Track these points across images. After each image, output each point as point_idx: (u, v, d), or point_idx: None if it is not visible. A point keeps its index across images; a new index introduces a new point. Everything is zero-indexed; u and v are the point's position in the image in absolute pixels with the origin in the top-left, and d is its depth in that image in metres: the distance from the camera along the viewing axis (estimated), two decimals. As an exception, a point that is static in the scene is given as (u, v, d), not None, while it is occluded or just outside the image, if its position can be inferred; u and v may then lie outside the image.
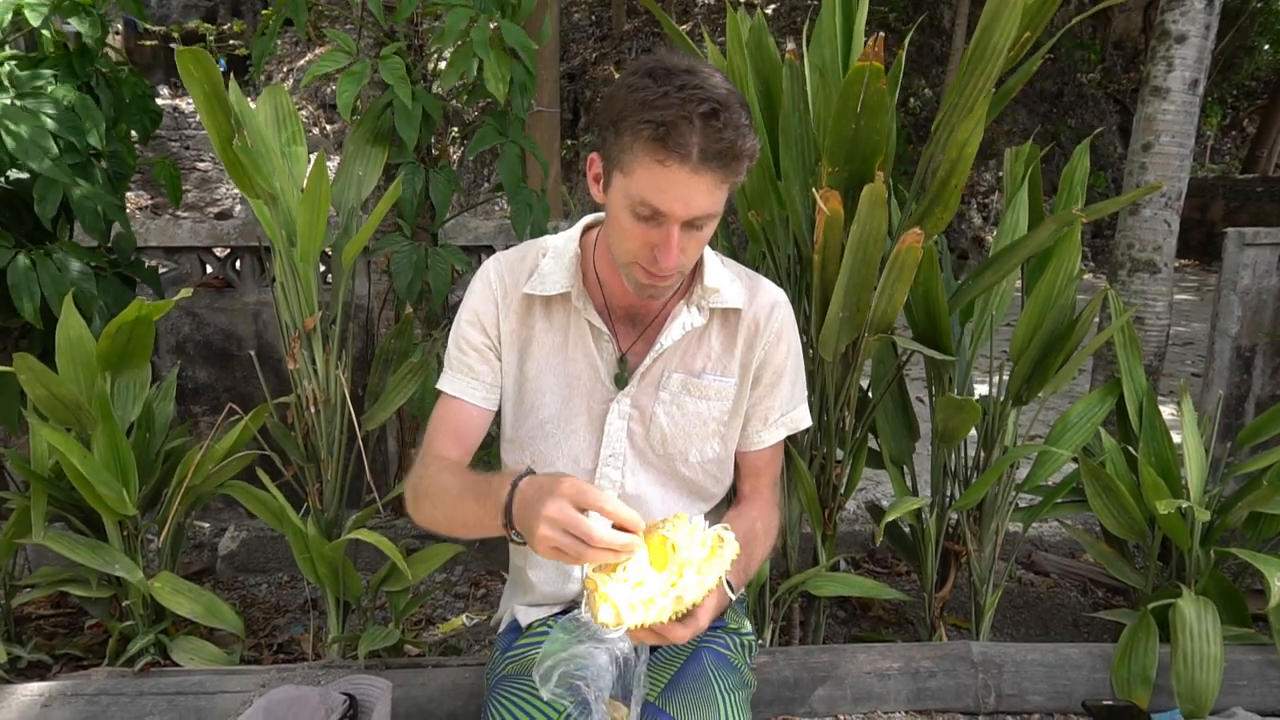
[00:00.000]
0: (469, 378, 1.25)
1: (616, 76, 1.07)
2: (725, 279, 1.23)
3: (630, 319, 1.24)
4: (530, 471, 1.03)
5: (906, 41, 1.83)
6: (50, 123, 1.83)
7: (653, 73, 1.01)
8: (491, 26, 1.90)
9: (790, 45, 1.64)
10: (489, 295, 1.23)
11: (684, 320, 1.21)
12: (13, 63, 1.91)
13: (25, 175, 1.89)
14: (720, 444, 1.28)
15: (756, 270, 1.35)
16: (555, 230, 1.38)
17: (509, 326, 1.23)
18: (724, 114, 0.99)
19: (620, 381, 1.23)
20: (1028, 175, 1.90)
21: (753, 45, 1.71)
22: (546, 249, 1.24)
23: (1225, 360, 2.56)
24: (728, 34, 1.67)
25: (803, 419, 1.34)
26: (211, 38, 10.28)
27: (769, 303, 1.26)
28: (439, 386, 1.26)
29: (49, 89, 1.89)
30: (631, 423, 1.25)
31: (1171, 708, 1.72)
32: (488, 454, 1.46)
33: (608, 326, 1.22)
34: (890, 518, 1.70)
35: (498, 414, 1.30)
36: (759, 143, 1.06)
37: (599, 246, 1.23)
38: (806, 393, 1.36)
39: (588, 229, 1.26)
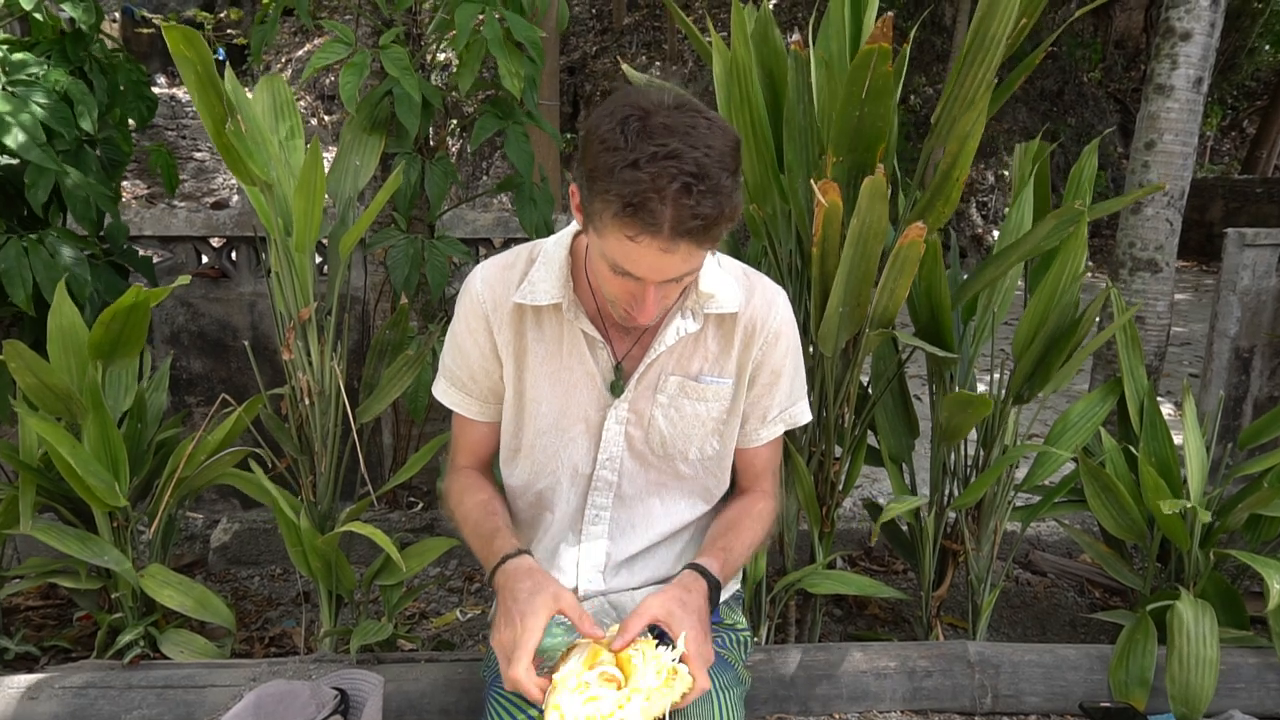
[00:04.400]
0: (468, 395, 1.26)
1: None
2: (721, 283, 1.19)
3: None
4: (519, 551, 1.14)
5: (911, 37, 1.81)
6: (40, 110, 1.80)
7: (626, 124, 0.93)
8: (496, 18, 1.88)
9: (795, 36, 1.62)
10: (478, 310, 1.20)
11: (678, 326, 1.18)
12: (4, 47, 1.88)
13: (16, 161, 1.87)
14: (719, 441, 1.27)
15: (757, 266, 1.33)
16: (556, 222, 1.36)
17: (504, 339, 1.21)
18: (699, 185, 0.91)
19: (616, 389, 1.21)
20: (1034, 172, 1.89)
21: (758, 37, 1.69)
22: (537, 255, 1.21)
23: (1224, 361, 2.55)
24: (732, 27, 1.65)
25: (802, 415, 1.32)
26: (209, 26, 10.22)
27: (766, 302, 1.23)
28: (444, 401, 1.29)
29: (41, 74, 1.86)
30: (629, 427, 1.23)
31: (1169, 710, 1.72)
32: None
33: (601, 334, 1.20)
34: (888, 517, 1.69)
35: None
36: (742, 199, 1.00)
37: (590, 252, 1.20)
38: (806, 388, 1.34)
39: (579, 233, 1.22)
